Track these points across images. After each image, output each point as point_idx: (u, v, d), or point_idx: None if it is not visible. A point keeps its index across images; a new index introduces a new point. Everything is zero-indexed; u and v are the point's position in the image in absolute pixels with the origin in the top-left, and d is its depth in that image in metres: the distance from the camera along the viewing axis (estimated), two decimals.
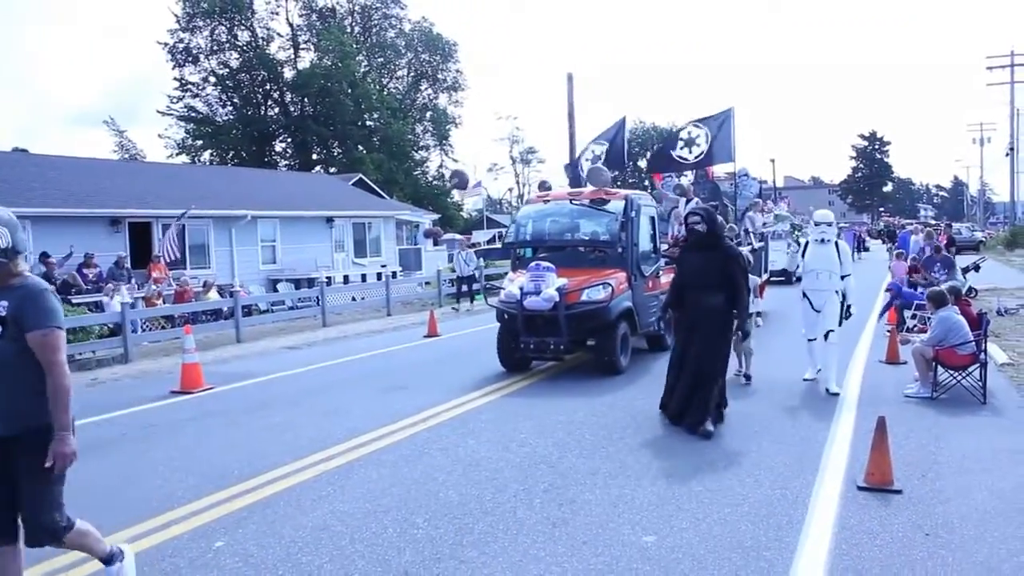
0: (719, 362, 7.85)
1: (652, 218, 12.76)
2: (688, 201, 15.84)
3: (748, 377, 10.12)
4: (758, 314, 9.80)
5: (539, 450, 7.27)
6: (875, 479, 5.98)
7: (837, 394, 9.18)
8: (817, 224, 9.85)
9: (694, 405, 7.74)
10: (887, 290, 17.31)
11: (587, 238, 12.29)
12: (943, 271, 16.63)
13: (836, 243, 9.77)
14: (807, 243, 10.01)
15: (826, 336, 9.70)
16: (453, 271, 24.51)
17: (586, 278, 11.11)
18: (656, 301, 11.83)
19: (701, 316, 7.85)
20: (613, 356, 10.86)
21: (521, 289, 10.86)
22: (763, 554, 4.85)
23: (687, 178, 19.55)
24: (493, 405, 9.35)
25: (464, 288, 23.01)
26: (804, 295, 9.95)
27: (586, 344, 11.10)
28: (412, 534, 5.35)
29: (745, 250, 10.40)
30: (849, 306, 9.93)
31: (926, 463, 6.58)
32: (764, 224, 19.75)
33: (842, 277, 9.71)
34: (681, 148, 17.33)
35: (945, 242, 23.20)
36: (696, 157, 17.05)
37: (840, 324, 9.87)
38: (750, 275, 9.20)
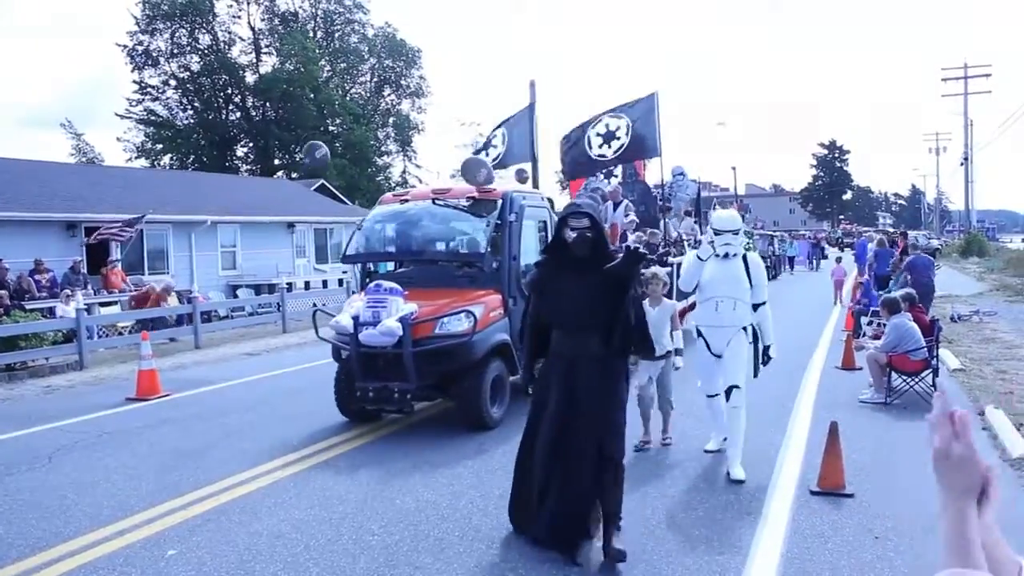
0: (618, 440, 5.08)
1: (544, 223, 10.10)
2: (616, 206, 14.51)
3: (668, 439, 7.61)
4: (677, 352, 7.41)
5: (496, 456, 7.28)
6: (827, 483, 6.06)
7: (741, 481, 6.36)
8: (718, 232, 6.78)
9: (588, 512, 5.03)
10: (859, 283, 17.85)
11: (449, 250, 9.69)
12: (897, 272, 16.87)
13: (745, 257, 6.82)
14: (699, 257, 6.95)
15: (727, 395, 6.71)
16: None
17: (447, 302, 8.44)
18: None
19: (581, 371, 5.06)
20: (479, 407, 8.14)
21: (356, 319, 8.19)
22: (716, 558, 4.90)
23: (616, 178, 17.53)
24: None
25: None
26: (699, 333, 6.97)
27: (445, 390, 8.49)
28: (367, 541, 5.33)
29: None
30: (767, 348, 6.98)
31: (878, 467, 6.69)
32: (684, 234, 16.57)
33: (755, 307, 6.83)
34: (600, 146, 14.55)
35: (901, 250, 23.62)
36: (617, 152, 14.45)
37: (755, 374, 7.09)
38: (666, 299, 7.62)
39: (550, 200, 14.64)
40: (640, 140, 14.15)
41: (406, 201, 10.03)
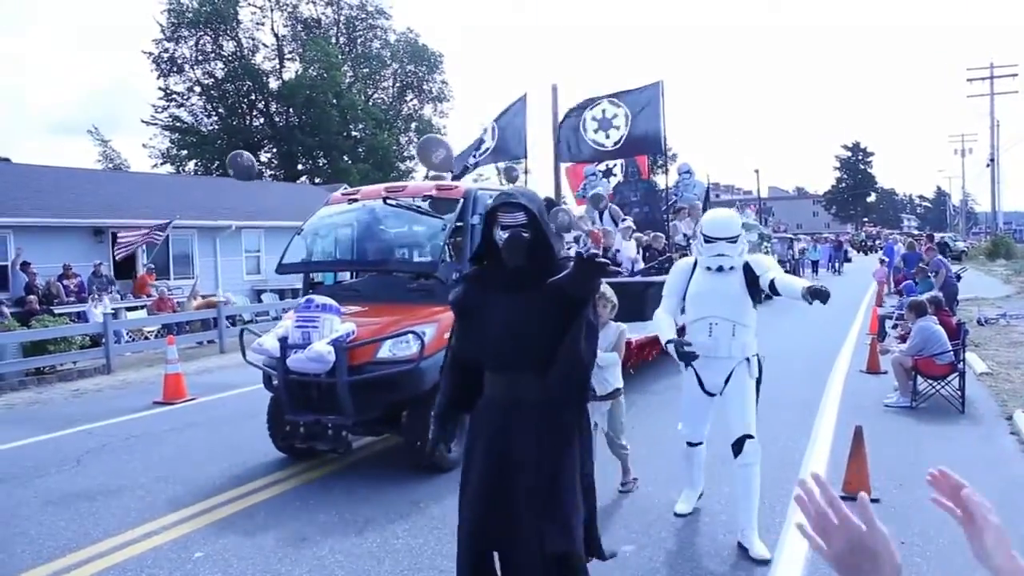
0: (569, 531, 3.53)
1: None
2: (602, 213, 13.45)
3: (628, 484, 6.42)
4: (617, 392, 6.25)
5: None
6: (853, 488, 6.01)
7: (767, 560, 4.96)
8: (709, 239, 5.29)
9: None
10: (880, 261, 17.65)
11: (399, 258, 8.53)
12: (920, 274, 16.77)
13: (747, 265, 5.26)
14: (690, 268, 5.58)
15: (738, 448, 5.22)
16: None
17: (392, 321, 7.12)
18: None
19: (516, 430, 3.59)
20: (430, 444, 6.00)
21: (283, 340, 6.98)
22: (741, 563, 4.89)
23: (616, 177, 16.19)
24: None
25: None
26: (685, 363, 5.36)
27: (391, 424, 7.24)
28: (392, 544, 5.36)
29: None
30: (759, 377, 5.39)
31: (904, 472, 6.63)
32: (687, 236, 14.12)
33: (771, 285, 5.08)
34: (596, 131, 13.22)
35: (927, 252, 23.45)
36: (616, 144, 13.15)
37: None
38: (612, 323, 6.35)
39: (550, 201, 13.65)
40: (641, 134, 13.01)
41: (355, 201, 8.56)
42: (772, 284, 4.97)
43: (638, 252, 13.20)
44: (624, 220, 13.52)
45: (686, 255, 12.25)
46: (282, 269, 8.50)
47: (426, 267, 7.80)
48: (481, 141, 14.11)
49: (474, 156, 14.01)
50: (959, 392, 8.92)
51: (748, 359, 5.27)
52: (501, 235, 3.62)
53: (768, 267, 5.21)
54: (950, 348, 9.10)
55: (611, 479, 6.26)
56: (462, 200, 7.80)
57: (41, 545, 5.61)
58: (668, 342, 5.34)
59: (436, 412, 3.99)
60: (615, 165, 16.12)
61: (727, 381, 5.26)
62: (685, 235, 14.21)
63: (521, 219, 3.60)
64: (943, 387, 9.05)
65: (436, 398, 4.04)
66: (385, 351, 6.91)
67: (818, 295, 4.55)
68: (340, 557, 5.16)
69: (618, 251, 12.34)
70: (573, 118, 13.69)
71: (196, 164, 55.31)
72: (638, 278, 11.56)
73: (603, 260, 3.27)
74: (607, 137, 13.19)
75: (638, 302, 10.17)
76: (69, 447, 8.54)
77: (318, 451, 7.36)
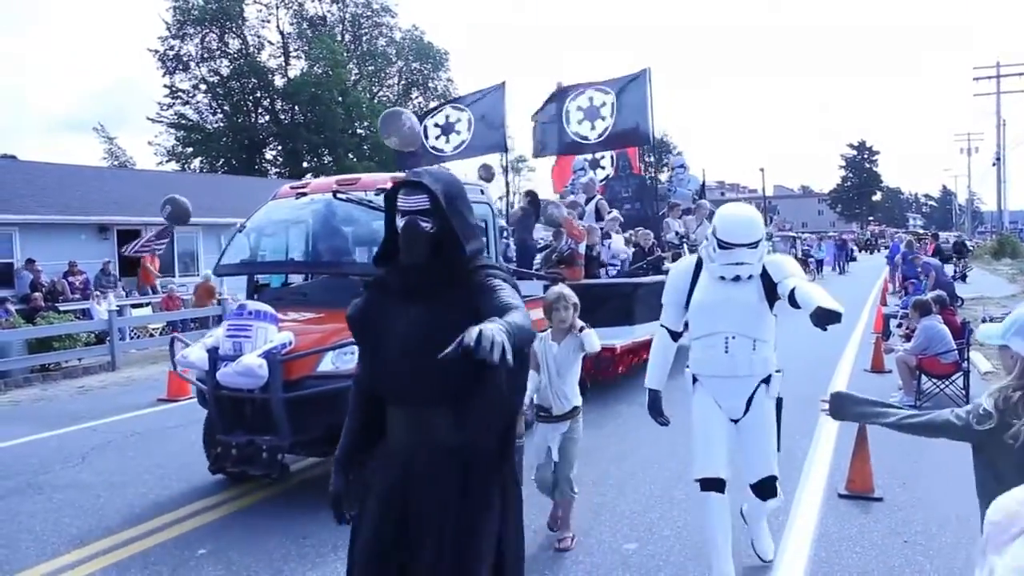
0: None
1: (484, 223, 7.90)
2: (588, 201, 12.55)
3: (565, 540, 5.20)
4: (575, 411, 5.26)
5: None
6: (856, 487, 6.03)
7: (768, 561, 4.84)
8: (725, 245, 4.31)
9: None
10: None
11: (346, 259, 7.54)
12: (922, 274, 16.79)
13: (765, 271, 4.32)
14: (691, 271, 4.59)
15: (761, 490, 4.51)
16: None
17: (336, 329, 6.09)
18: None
19: (418, 480, 2.81)
20: (330, 501, 4.07)
21: (213, 352, 6.17)
22: (743, 562, 4.88)
23: (604, 170, 15.07)
24: None
25: None
26: (694, 379, 4.56)
27: (335, 446, 5.50)
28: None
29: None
30: (779, 401, 4.55)
31: (907, 471, 6.63)
32: (680, 234, 13.52)
33: (792, 293, 4.04)
34: (580, 122, 12.33)
35: (932, 251, 23.49)
36: (601, 136, 12.30)
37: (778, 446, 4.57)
38: (576, 331, 5.21)
39: (532, 195, 12.34)
40: (629, 124, 12.26)
41: (304, 195, 7.76)
42: (792, 294, 3.99)
43: (627, 247, 12.27)
44: (610, 212, 12.43)
45: (679, 254, 11.51)
46: (220, 270, 7.74)
47: (373, 268, 6.48)
48: (452, 131, 12.89)
49: (437, 150, 12.88)
50: (963, 391, 8.91)
51: (767, 380, 4.43)
52: (399, 224, 2.83)
53: (789, 272, 4.24)
54: (955, 347, 9.08)
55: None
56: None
57: (45, 541, 5.64)
58: (649, 397, 4.68)
59: (336, 457, 3.03)
60: (603, 157, 15.15)
61: (748, 404, 4.41)
62: (678, 233, 13.45)
63: (423, 203, 2.77)
64: (947, 386, 9.04)
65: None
66: (327, 364, 6.09)
67: (828, 319, 3.66)
68: (342, 554, 5.15)
69: (604, 246, 11.48)
70: (552, 107, 12.90)
71: (201, 161, 55.41)
72: (624, 279, 11.02)
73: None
74: (592, 128, 12.39)
75: (626, 304, 9.86)
76: (74, 444, 8.57)
77: (251, 476, 6.38)
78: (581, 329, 5.18)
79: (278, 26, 57.47)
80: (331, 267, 7.51)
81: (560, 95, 12.86)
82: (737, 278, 4.26)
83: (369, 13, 60.11)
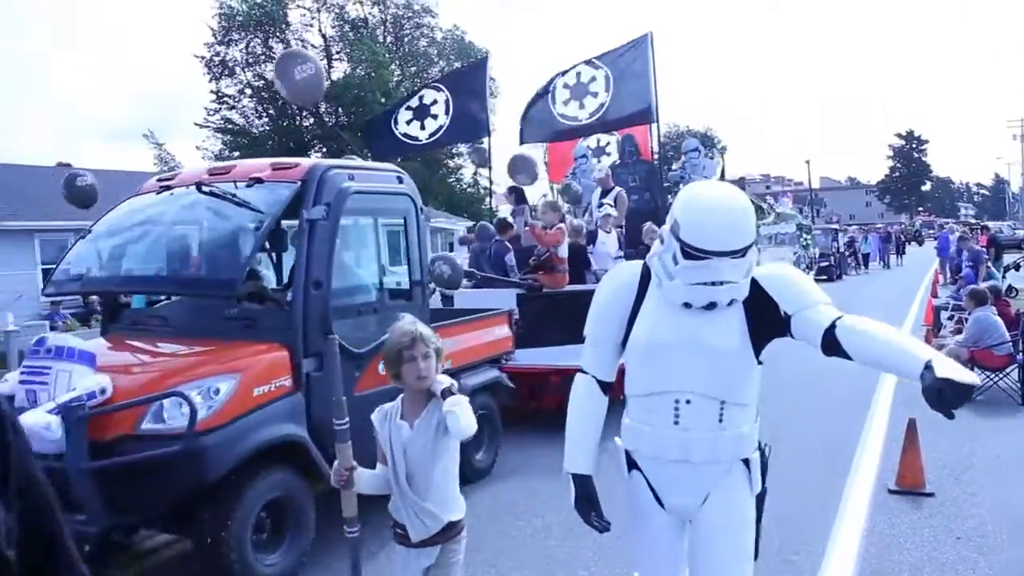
0: None
1: (403, 221, 6.38)
2: (605, 193, 10.65)
3: None
4: (450, 529, 3.49)
5: None
6: (906, 482, 5.93)
7: None
8: (695, 254, 2.57)
9: None
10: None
11: (189, 274, 5.76)
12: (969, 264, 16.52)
13: (756, 286, 2.68)
14: (634, 287, 2.84)
15: None
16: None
17: (173, 371, 4.71)
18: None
19: None
20: (229, 558, 4.43)
21: (9, 400, 4.32)
22: (791, 558, 4.84)
23: (610, 156, 13.30)
24: None
25: None
26: (631, 465, 2.96)
27: (180, 524, 4.75)
28: (386, 536, 5.39)
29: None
30: (762, 495, 3.09)
31: (959, 466, 6.51)
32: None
33: (830, 328, 2.56)
34: (567, 102, 10.70)
35: (985, 243, 22.97)
36: (593, 115, 10.57)
37: (756, 554, 3.06)
38: (439, 391, 3.11)
39: (515, 196, 11.31)
40: (628, 100, 10.40)
41: (168, 188, 5.95)
42: (836, 339, 2.55)
43: (620, 249, 10.33)
44: (602, 207, 10.57)
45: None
46: (51, 287, 5.92)
47: (220, 286, 5.16)
48: (428, 114, 11.49)
49: (409, 137, 11.54)
50: (1018, 384, 8.72)
51: (746, 462, 2.92)
52: None
53: (812, 297, 2.68)
54: (1008, 339, 8.89)
55: None
56: (300, 183, 5.24)
57: None
58: (575, 487, 3.00)
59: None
60: (608, 143, 13.43)
61: (704, 501, 2.84)
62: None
63: None
64: (1001, 379, 8.85)
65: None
66: (149, 421, 4.43)
67: (959, 396, 2.36)
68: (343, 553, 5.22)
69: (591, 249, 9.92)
70: (540, 91, 11.27)
71: None
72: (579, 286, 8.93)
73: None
74: (581, 108, 10.59)
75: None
76: None
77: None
78: (445, 394, 3.05)
79: (320, 29, 58.09)
80: (168, 285, 5.80)
81: (553, 77, 11.22)
82: (712, 305, 2.65)
83: (410, 14, 60.51)
